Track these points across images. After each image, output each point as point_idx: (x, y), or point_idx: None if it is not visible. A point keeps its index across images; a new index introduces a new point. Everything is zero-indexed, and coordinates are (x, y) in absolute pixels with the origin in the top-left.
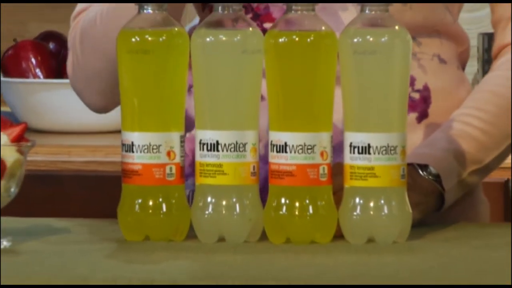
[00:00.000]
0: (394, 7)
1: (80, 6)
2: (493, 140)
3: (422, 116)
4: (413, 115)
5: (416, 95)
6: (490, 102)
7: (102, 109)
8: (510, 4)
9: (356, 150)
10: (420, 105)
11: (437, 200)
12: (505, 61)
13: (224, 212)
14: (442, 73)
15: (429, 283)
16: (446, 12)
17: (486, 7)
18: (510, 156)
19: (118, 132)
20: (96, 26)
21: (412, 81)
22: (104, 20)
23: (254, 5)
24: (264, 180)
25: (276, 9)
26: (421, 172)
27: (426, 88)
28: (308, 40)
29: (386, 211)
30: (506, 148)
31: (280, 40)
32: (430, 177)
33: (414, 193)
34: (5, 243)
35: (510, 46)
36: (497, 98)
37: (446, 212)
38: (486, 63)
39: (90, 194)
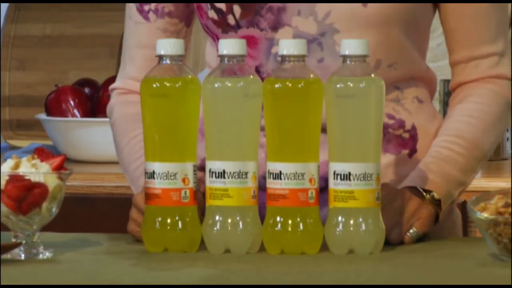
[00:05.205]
0: (382, 69)
1: (115, 83)
2: (471, 163)
3: (412, 152)
4: (405, 152)
5: (407, 135)
6: (466, 131)
7: None
8: (468, 48)
9: (338, 177)
10: (410, 143)
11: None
12: (473, 94)
13: (229, 228)
14: (421, 112)
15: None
16: (422, 60)
17: (446, 58)
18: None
19: None
20: (112, 129)
21: (402, 124)
22: (114, 131)
23: None
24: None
25: None
26: (425, 195)
27: (413, 128)
28: (299, 86)
29: (363, 227)
30: (478, 169)
31: (276, 85)
32: (433, 200)
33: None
34: (47, 254)
35: (469, 84)
36: (471, 127)
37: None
38: (446, 105)
39: (119, 213)
